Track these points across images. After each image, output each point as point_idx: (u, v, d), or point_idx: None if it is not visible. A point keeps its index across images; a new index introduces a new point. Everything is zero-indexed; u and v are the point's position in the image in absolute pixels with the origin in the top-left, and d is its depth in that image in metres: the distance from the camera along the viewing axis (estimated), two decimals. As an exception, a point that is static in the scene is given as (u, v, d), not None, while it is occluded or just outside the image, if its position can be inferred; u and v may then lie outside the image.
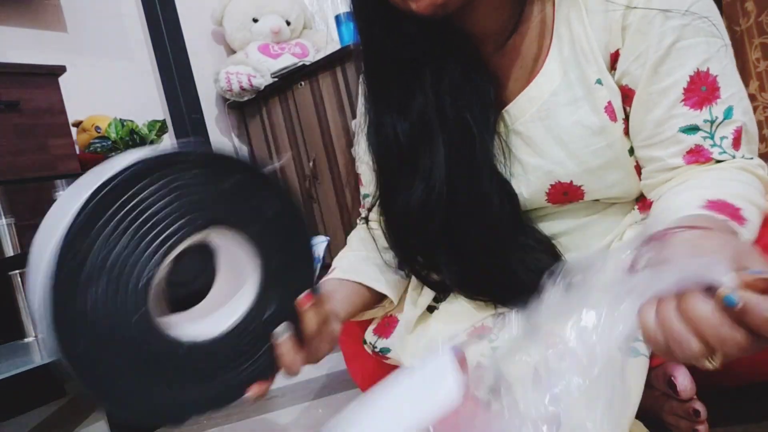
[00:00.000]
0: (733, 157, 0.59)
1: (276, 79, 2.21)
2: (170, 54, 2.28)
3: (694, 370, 0.56)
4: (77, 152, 1.82)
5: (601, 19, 0.61)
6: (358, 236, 0.83)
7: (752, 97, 1.49)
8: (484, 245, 0.69)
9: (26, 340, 1.38)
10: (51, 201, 1.43)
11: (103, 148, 1.86)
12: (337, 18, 2.08)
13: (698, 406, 0.55)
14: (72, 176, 1.36)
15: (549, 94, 0.66)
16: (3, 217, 1.39)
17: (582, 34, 0.62)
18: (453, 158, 0.69)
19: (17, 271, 1.39)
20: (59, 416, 1.23)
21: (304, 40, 2.43)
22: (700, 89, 0.58)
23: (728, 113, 0.58)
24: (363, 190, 0.87)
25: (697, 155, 0.59)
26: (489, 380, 0.69)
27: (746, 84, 1.50)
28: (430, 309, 0.76)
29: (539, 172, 0.69)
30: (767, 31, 1.47)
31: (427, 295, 0.77)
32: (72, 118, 1.73)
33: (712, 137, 0.58)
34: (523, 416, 0.64)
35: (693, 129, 0.59)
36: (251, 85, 2.25)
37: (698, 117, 0.58)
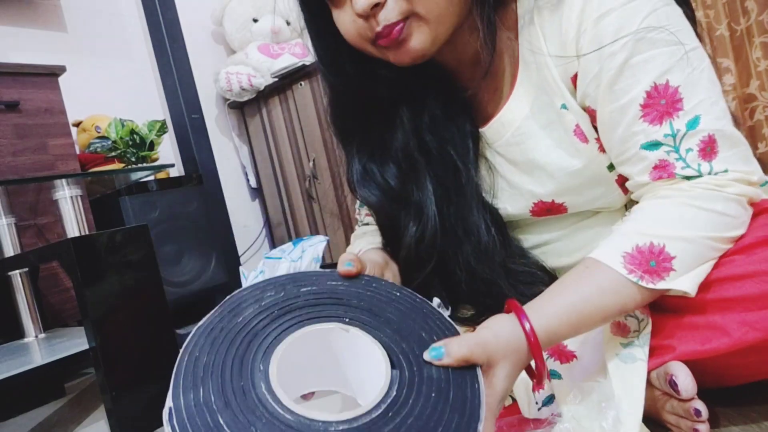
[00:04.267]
0: (699, 171, 0.56)
1: (276, 79, 2.21)
2: (170, 54, 2.27)
3: (695, 370, 0.56)
4: (77, 152, 1.83)
5: (558, 44, 0.60)
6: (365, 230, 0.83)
7: (753, 97, 1.48)
8: (475, 273, 0.70)
9: (26, 340, 1.38)
10: (51, 201, 1.44)
11: (103, 148, 1.86)
12: (337, 18, 2.08)
13: (699, 405, 0.55)
14: (72, 176, 1.35)
15: (521, 119, 0.66)
16: (3, 217, 1.39)
17: (543, 61, 0.62)
18: (441, 193, 0.69)
19: (17, 271, 1.39)
20: (59, 416, 1.23)
21: (305, 40, 2.43)
22: (659, 103, 0.56)
23: (693, 124, 0.55)
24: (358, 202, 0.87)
25: (662, 171, 0.57)
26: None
27: (747, 83, 1.49)
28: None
29: (522, 190, 0.70)
30: (768, 30, 1.47)
31: None
32: (72, 118, 1.73)
33: (677, 150, 0.56)
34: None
35: (655, 145, 0.57)
36: (251, 85, 2.25)
37: (658, 132, 0.56)
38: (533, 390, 0.65)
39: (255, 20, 2.37)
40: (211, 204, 2.21)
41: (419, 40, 0.59)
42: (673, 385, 0.55)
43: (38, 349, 1.25)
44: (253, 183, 2.51)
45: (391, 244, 0.74)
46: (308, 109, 2.16)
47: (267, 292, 0.52)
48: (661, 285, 0.53)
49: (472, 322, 0.71)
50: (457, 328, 0.52)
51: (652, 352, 0.57)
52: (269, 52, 2.31)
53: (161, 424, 1.01)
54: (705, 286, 0.55)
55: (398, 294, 0.54)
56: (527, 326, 0.51)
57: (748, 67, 1.48)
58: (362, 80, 0.68)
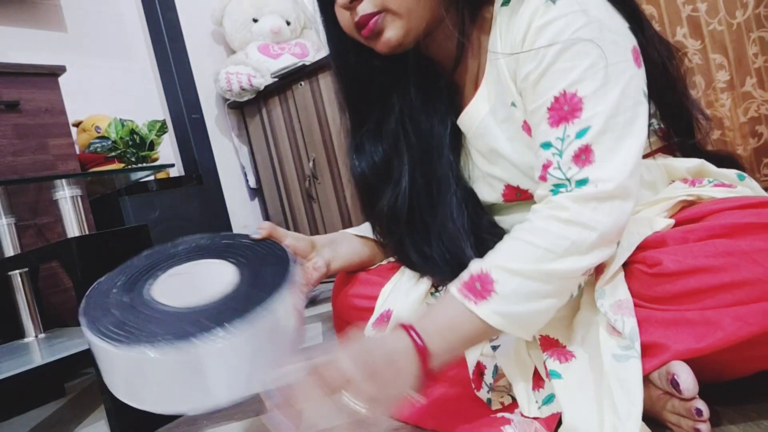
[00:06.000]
0: (564, 175, 0.59)
1: (276, 79, 2.21)
2: (170, 54, 2.28)
3: (693, 365, 0.56)
4: (77, 152, 1.83)
5: (509, 47, 0.67)
6: None
7: (749, 95, 1.47)
8: (446, 242, 0.77)
9: (26, 340, 1.38)
10: (51, 201, 1.44)
11: (103, 148, 1.86)
12: (337, 18, 2.09)
13: (701, 405, 0.55)
14: (72, 176, 1.35)
15: (484, 114, 0.73)
16: (3, 217, 1.39)
17: (500, 62, 0.68)
18: (416, 169, 0.79)
19: (17, 271, 1.39)
20: (59, 416, 1.23)
21: (304, 40, 2.43)
22: (563, 108, 0.60)
23: (581, 133, 0.59)
24: None
25: (544, 170, 0.62)
26: (489, 378, 0.69)
27: (743, 81, 1.47)
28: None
29: (491, 178, 0.77)
30: (765, 24, 1.42)
31: (420, 288, 0.77)
32: (72, 118, 1.73)
33: (560, 154, 0.60)
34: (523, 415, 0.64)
35: (547, 145, 0.61)
36: (251, 85, 2.25)
37: (552, 135, 0.61)
38: (533, 389, 0.65)
39: (255, 20, 2.37)
40: (211, 204, 2.21)
41: (393, 32, 0.67)
42: (674, 384, 0.55)
43: (38, 349, 1.25)
44: (253, 183, 2.51)
45: (367, 210, 0.87)
46: (308, 109, 2.16)
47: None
48: (480, 306, 0.57)
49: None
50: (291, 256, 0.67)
51: (649, 350, 0.57)
52: (269, 52, 2.31)
53: (161, 424, 1.01)
54: (696, 270, 0.56)
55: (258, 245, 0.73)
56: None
57: (745, 63, 1.44)
58: (360, 68, 0.78)
